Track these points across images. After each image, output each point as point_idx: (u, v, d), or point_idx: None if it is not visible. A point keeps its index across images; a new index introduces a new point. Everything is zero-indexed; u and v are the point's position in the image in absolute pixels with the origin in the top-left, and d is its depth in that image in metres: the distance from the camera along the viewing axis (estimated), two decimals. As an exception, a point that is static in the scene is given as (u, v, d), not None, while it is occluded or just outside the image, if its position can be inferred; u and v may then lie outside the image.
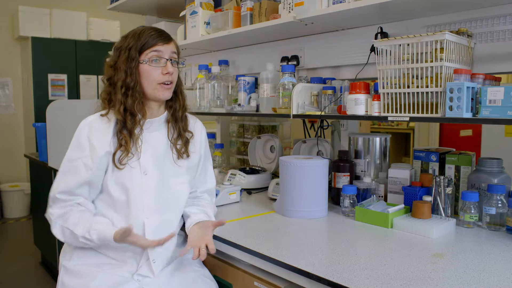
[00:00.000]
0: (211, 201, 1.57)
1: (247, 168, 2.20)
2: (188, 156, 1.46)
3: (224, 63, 2.22)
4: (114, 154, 1.33)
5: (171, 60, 1.37)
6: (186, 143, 1.46)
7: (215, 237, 1.40)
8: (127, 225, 1.26)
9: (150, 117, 1.40)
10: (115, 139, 1.34)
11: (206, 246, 1.32)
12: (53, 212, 1.33)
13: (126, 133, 1.34)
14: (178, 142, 1.45)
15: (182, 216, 1.49)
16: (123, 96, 1.34)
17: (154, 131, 1.42)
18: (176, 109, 1.45)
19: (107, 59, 1.46)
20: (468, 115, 1.27)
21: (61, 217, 1.32)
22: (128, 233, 1.24)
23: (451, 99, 1.27)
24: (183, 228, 1.51)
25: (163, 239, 1.29)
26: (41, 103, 4.67)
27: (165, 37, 1.38)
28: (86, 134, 1.33)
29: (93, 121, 1.36)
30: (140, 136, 1.37)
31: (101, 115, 1.36)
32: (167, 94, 1.39)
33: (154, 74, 1.35)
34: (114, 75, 1.36)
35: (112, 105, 1.36)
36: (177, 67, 1.42)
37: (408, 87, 1.39)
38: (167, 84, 1.37)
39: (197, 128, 1.54)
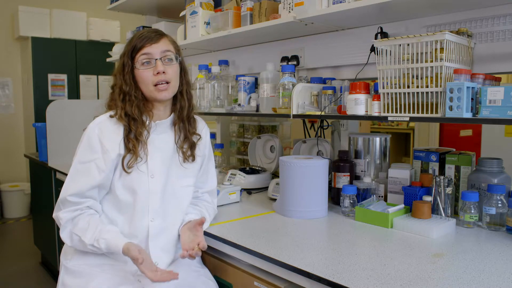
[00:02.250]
0: (211, 201, 1.57)
1: (247, 168, 2.19)
2: (194, 160, 1.46)
3: (224, 63, 2.22)
4: (123, 159, 1.33)
5: (161, 59, 1.35)
6: (192, 146, 1.46)
7: (215, 237, 1.40)
8: (140, 254, 1.22)
9: (157, 119, 1.40)
10: (123, 143, 1.34)
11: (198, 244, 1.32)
12: (62, 217, 1.31)
13: (133, 137, 1.34)
14: (184, 145, 1.45)
15: None
16: (122, 102, 1.35)
17: (162, 134, 1.42)
18: (182, 109, 1.44)
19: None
20: (468, 115, 1.27)
21: (71, 221, 1.31)
22: (140, 262, 1.21)
23: (451, 99, 1.27)
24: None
25: (167, 277, 1.23)
26: (41, 103, 4.67)
27: (154, 36, 1.36)
28: (97, 136, 1.32)
29: (103, 122, 1.35)
30: (148, 140, 1.37)
31: (110, 116, 1.36)
32: (164, 95, 1.37)
33: (146, 76, 1.34)
34: (115, 83, 1.39)
35: (116, 109, 1.37)
36: (175, 63, 1.39)
37: (408, 87, 1.39)
38: (162, 84, 1.35)
39: (205, 131, 1.55)
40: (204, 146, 1.53)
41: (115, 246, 1.25)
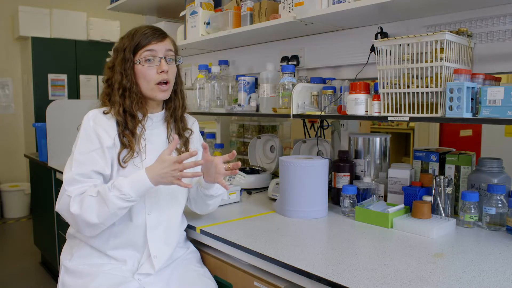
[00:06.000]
0: None
1: (247, 168, 2.20)
2: None
3: (224, 63, 2.22)
4: (119, 154, 1.33)
5: (165, 58, 1.37)
6: (185, 142, 1.48)
7: (215, 237, 1.40)
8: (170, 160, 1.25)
9: (149, 113, 1.42)
10: (118, 139, 1.34)
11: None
12: (71, 190, 1.26)
13: (128, 133, 1.34)
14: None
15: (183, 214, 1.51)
16: (120, 97, 1.35)
17: (155, 129, 1.43)
18: (176, 108, 1.46)
19: (107, 60, 1.47)
20: (468, 115, 1.27)
21: (80, 195, 1.26)
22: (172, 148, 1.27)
23: (451, 99, 1.27)
24: (185, 229, 1.52)
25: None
26: (41, 103, 4.67)
27: (159, 35, 1.37)
28: (92, 127, 1.32)
29: (96, 115, 1.35)
30: (143, 136, 1.38)
31: (104, 112, 1.36)
32: (164, 95, 1.39)
33: (149, 74, 1.35)
34: (112, 76, 1.38)
35: (112, 105, 1.36)
36: (175, 64, 1.42)
37: (408, 87, 1.39)
38: (164, 84, 1.37)
39: (195, 126, 1.57)
40: (197, 141, 1.55)
41: (137, 176, 1.25)
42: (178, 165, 1.24)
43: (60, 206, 1.30)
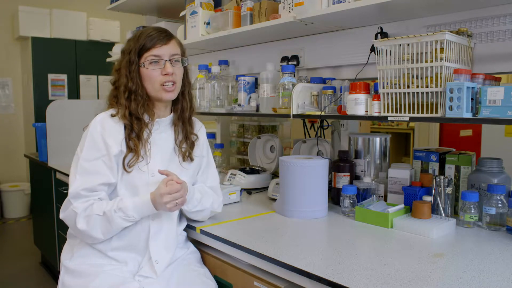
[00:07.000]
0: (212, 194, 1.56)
1: (247, 168, 2.19)
2: (192, 160, 1.47)
3: (224, 63, 2.22)
4: (124, 158, 1.33)
5: (170, 60, 1.37)
6: (191, 146, 1.47)
7: (215, 237, 1.40)
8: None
9: (157, 118, 1.41)
10: (125, 142, 1.34)
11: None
12: (77, 206, 1.29)
13: (135, 136, 1.34)
14: (183, 145, 1.45)
15: (182, 215, 1.51)
16: (126, 100, 1.35)
17: (162, 133, 1.43)
18: (184, 110, 1.45)
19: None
20: (468, 115, 1.27)
21: (85, 210, 1.29)
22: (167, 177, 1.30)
23: (451, 99, 1.27)
24: (185, 229, 1.52)
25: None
26: (41, 103, 4.67)
27: (164, 37, 1.36)
28: (99, 133, 1.32)
29: (104, 119, 1.35)
30: (149, 139, 1.37)
31: (112, 115, 1.36)
32: (170, 96, 1.38)
33: (154, 75, 1.35)
34: (118, 79, 1.37)
35: (119, 107, 1.36)
36: (182, 66, 1.41)
37: (408, 87, 1.39)
38: (169, 85, 1.36)
39: (202, 131, 1.56)
40: (202, 146, 1.54)
41: (142, 199, 1.29)
42: (168, 197, 1.28)
43: (65, 217, 1.33)
